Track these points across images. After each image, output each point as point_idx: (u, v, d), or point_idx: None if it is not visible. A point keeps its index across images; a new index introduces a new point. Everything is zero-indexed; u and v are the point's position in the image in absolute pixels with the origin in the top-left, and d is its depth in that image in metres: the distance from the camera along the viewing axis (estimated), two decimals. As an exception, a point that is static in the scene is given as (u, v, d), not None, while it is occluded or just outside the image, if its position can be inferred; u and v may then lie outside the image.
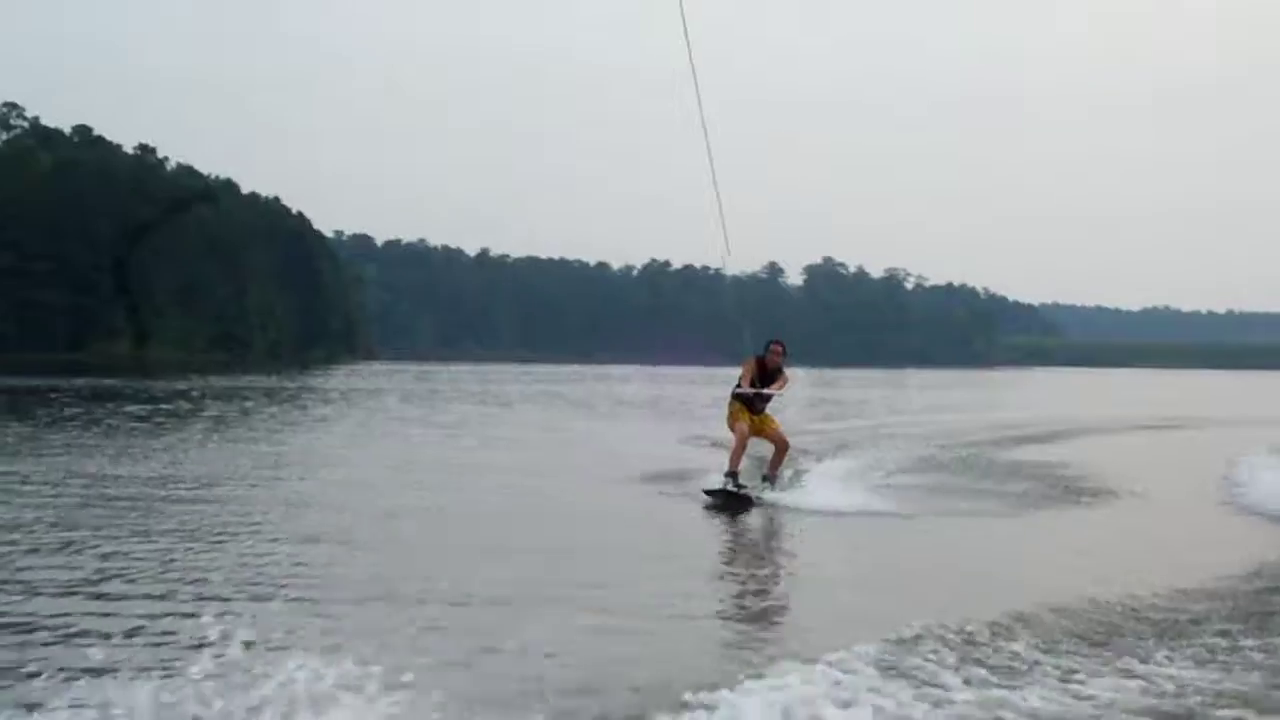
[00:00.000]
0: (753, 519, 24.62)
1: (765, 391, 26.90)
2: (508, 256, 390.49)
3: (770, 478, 26.92)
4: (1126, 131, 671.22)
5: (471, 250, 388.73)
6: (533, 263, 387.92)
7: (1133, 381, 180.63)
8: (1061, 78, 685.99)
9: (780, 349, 27.35)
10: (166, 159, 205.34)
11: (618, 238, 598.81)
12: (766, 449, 27.87)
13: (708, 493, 25.93)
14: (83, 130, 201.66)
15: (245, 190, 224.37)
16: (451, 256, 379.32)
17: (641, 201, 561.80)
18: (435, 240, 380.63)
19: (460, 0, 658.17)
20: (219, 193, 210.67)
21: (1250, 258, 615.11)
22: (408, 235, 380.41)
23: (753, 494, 26.11)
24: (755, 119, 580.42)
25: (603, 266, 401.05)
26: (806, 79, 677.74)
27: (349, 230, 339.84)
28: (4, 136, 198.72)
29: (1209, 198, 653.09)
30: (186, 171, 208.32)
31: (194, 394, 73.18)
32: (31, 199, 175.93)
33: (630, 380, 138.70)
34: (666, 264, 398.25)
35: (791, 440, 28.40)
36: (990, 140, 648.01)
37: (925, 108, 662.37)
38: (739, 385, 27.12)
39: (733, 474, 26.24)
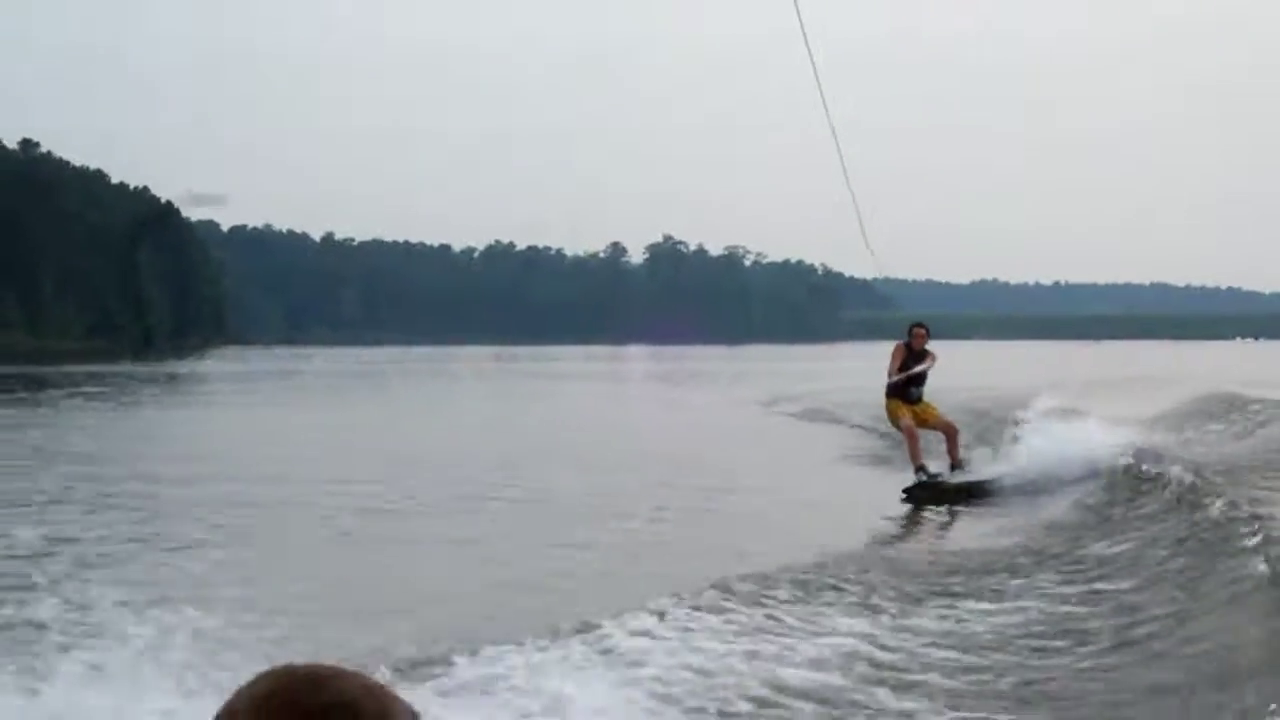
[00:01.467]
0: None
1: (916, 370, 26.45)
2: (353, 239, 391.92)
3: (956, 465, 26.66)
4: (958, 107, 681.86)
5: (316, 234, 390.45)
6: (378, 245, 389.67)
7: (965, 353, 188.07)
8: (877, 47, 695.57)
9: (924, 332, 26.95)
10: (49, 152, 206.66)
11: (461, 218, 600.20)
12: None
13: (906, 491, 26.00)
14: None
15: (114, 180, 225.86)
16: (296, 240, 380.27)
17: (483, 182, 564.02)
18: (281, 224, 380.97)
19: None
20: (90, 181, 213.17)
21: (1076, 230, 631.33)
22: (253, 220, 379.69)
23: (943, 483, 26.15)
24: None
25: (445, 248, 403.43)
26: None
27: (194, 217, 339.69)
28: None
29: (1036, 172, 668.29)
30: (62, 164, 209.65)
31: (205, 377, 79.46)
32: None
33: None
34: (511, 245, 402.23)
35: None
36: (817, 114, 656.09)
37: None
38: (890, 377, 26.74)
39: (921, 468, 26.14)
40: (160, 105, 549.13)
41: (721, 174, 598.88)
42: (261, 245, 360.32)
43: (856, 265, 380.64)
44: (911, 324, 27.51)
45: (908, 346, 26.85)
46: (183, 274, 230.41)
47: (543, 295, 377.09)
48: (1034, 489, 24.75)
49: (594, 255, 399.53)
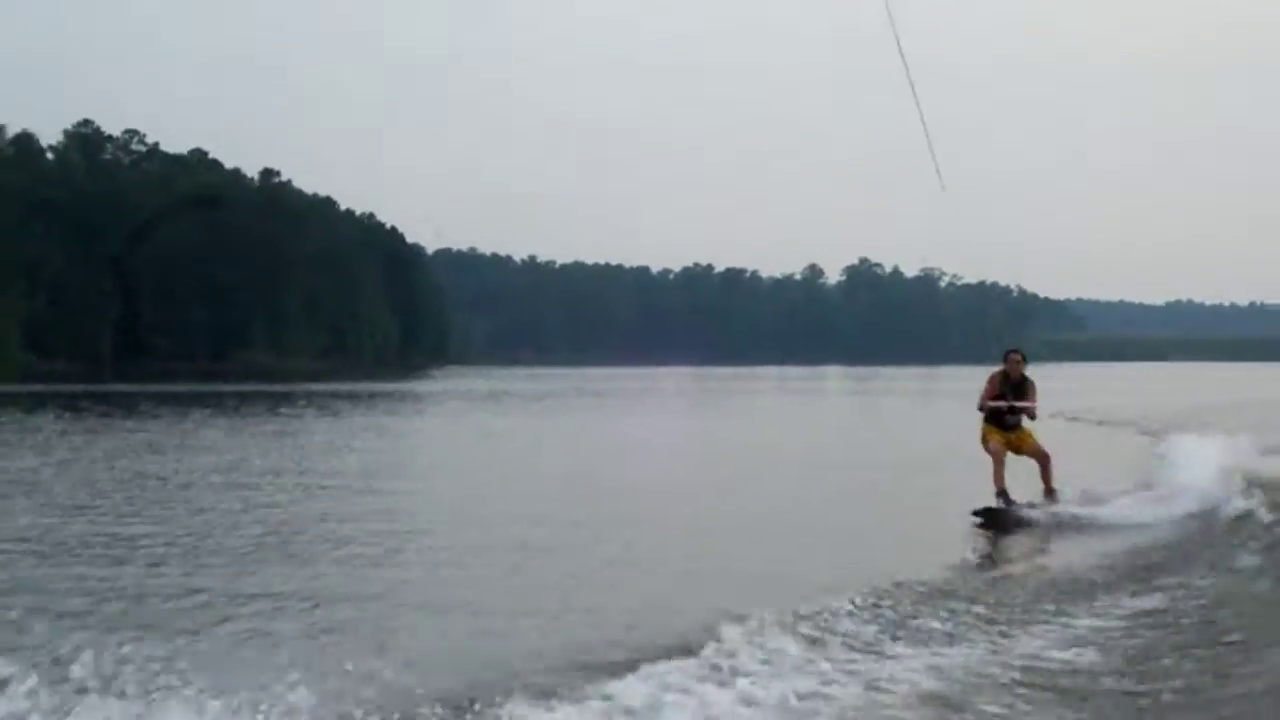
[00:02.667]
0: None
1: (1018, 405, 26.03)
2: (554, 262, 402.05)
3: (1049, 493, 25.94)
4: (1154, 127, 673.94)
5: (520, 256, 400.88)
6: (579, 267, 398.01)
7: (1163, 374, 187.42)
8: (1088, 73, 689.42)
9: (1020, 358, 26.43)
10: (289, 180, 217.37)
11: (659, 241, 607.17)
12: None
13: (976, 513, 25.18)
14: (198, 153, 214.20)
15: (342, 207, 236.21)
16: (500, 263, 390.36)
17: (686, 205, 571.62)
18: (485, 247, 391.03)
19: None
20: (322, 209, 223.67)
21: (1273, 250, 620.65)
22: (458, 243, 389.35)
23: (1024, 511, 25.30)
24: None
25: (643, 270, 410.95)
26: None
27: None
28: (125, 161, 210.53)
29: (1231, 190, 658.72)
30: (299, 193, 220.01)
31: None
32: (174, 221, 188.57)
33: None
34: (709, 267, 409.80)
35: None
36: (1020, 139, 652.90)
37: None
38: (983, 403, 26.33)
39: (1002, 493, 25.42)
40: (359, 129, 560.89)
41: (917, 195, 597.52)
42: (466, 267, 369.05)
43: (1051, 286, 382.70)
44: (1007, 350, 26.89)
45: (1005, 374, 26.25)
46: (408, 297, 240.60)
47: (740, 317, 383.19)
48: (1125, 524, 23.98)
49: (791, 277, 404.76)
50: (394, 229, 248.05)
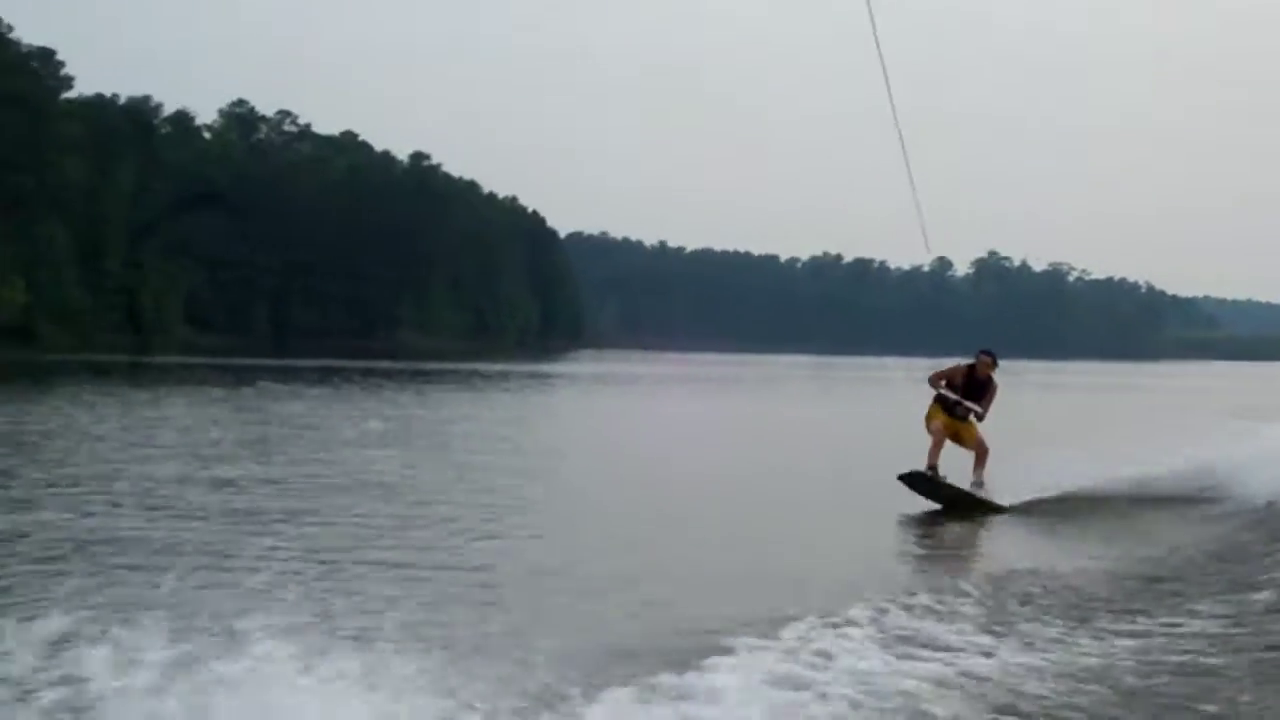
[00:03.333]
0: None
1: (966, 404, 26.01)
2: (684, 248, 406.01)
3: (977, 483, 26.00)
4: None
5: (650, 241, 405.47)
6: (708, 253, 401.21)
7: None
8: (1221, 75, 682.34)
9: (990, 360, 26.17)
10: (438, 165, 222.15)
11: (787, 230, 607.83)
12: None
13: (902, 478, 25.69)
14: (349, 135, 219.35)
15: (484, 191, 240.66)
16: (631, 248, 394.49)
17: (813, 194, 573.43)
18: (616, 232, 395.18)
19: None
20: (467, 193, 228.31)
21: None
22: (590, 227, 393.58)
23: (949, 483, 25.84)
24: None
25: (772, 258, 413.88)
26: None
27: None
28: (278, 141, 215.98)
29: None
30: (447, 177, 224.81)
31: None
32: (327, 201, 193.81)
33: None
34: (838, 257, 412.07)
35: None
36: (1151, 133, 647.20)
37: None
38: (935, 381, 26.57)
39: (933, 468, 25.78)
40: (490, 113, 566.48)
41: (1050, 190, 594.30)
42: (597, 251, 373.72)
43: (1181, 284, 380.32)
44: (980, 350, 26.46)
45: (971, 369, 26.25)
46: (547, 281, 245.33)
47: (867, 307, 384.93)
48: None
49: (919, 268, 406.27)
50: (535, 213, 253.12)
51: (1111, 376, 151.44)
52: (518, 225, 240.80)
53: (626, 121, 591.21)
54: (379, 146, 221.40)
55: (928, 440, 26.18)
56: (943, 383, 26.21)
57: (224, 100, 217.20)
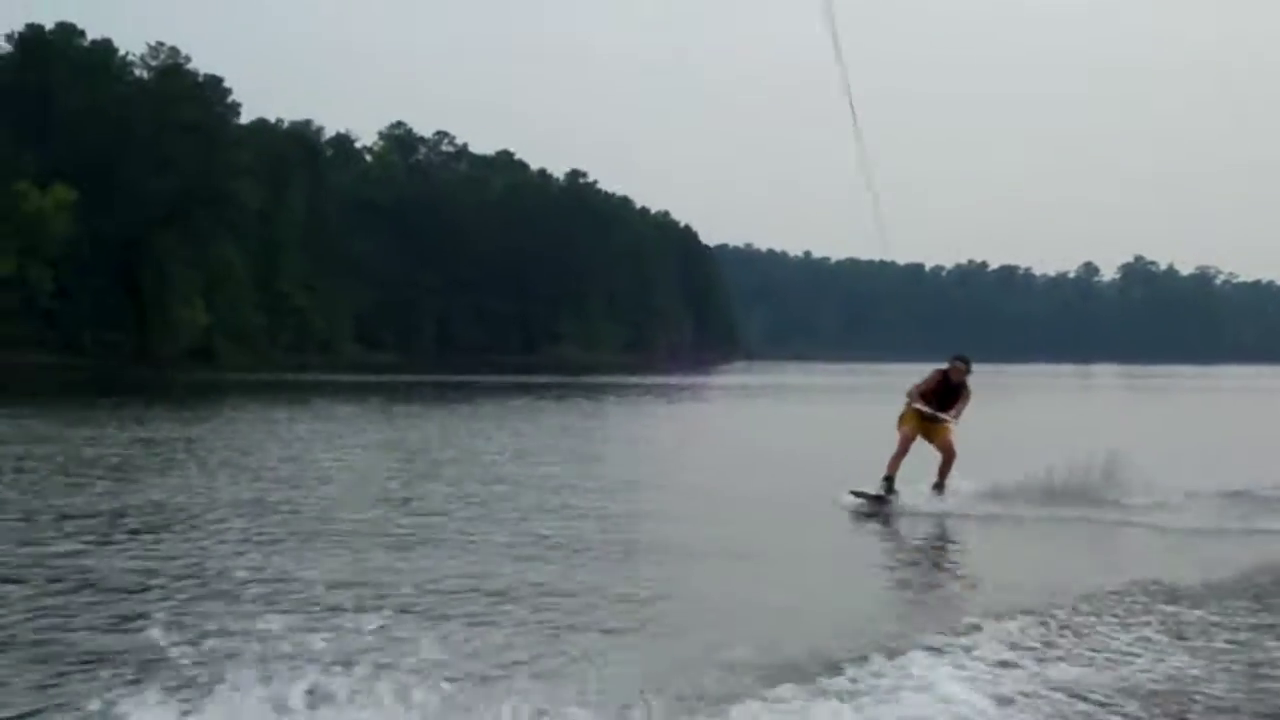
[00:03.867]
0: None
1: (941, 416, 25.50)
2: (829, 258, 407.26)
3: (939, 486, 25.29)
4: None
5: (795, 252, 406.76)
6: (853, 264, 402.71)
7: None
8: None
9: (964, 366, 25.73)
10: (594, 181, 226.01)
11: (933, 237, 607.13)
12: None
13: (855, 494, 24.78)
14: (505, 154, 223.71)
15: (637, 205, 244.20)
16: (776, 259, 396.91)
17: (957, 201, 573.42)
18: (761, 243, 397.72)
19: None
20: (620, 208, 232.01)
21: None
22: (735, 239, 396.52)
23: (899, 501, 24.82)
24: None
25: (918, 267, 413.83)
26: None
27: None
28: (436, 161, 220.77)
29: None
30: (603, 194, 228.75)
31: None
32: (487, 220, 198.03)
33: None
34: (983, 265, 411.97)
35: None
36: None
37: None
38: (913, 394, 25.96)
39: (889, 479, 24.90)
40: (635, 129, 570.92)
41: (1195, 192, 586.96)
42: (743, 262, 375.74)
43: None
44: (954, 356, 26.14)
45: (945, 376, 25.74)
46: (700, 294, 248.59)
47: (1013, 314, 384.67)
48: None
49: (1065, 275, 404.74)
50: (687, 227, 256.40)
51: (1267, 380, 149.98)
52: (670, 240, 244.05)
53: (766, 134, 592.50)
54: (534, 165, 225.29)
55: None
56: (919, 398, 25.53)
57: (381, 122, 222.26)
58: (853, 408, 73.09)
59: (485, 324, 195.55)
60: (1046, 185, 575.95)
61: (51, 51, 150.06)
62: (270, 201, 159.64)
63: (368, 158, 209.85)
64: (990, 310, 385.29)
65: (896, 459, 24.97)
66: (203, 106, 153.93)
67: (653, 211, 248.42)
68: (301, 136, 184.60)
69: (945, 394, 25.55)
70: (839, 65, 17.86)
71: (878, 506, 24.28)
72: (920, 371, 26.19)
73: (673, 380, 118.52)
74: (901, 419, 25.61)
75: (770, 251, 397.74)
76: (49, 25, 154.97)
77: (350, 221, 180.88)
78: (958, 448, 25.21)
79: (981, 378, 25.73)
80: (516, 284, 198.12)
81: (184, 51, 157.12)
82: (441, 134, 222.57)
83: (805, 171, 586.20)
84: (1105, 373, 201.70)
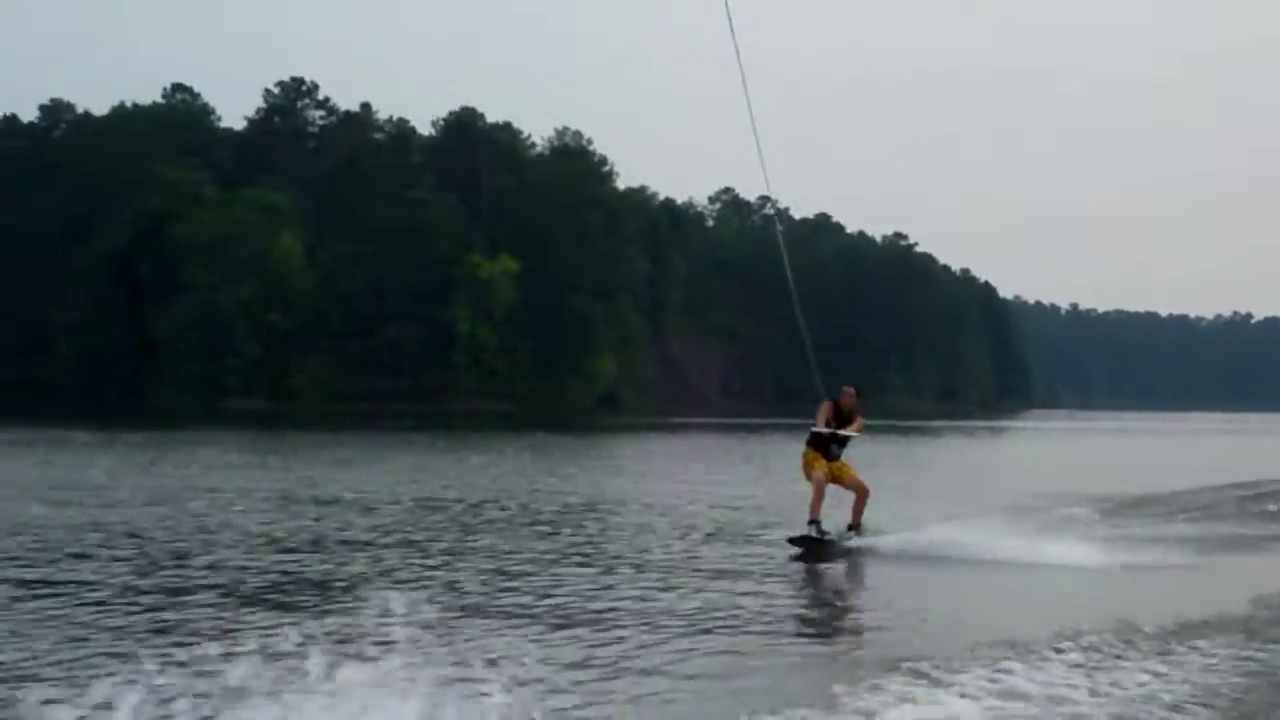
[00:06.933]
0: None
1: (841, 433, 25.88)
2: (1095, 310, 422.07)
3: (855, 526, 25.84)
4: None
5: (1063, 305, 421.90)
6: (1119, 315, 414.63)
7: None
8: None
9: (854, 392, 26.59)
10: (915, 244, 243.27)
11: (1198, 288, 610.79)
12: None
13: (791, 540, 25.27)
14: (823, 216, 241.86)
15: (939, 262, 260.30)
16: (1045, 311, 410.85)
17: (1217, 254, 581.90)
18: (1029, 296, 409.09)
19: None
20: (929, 266, 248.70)
21: None
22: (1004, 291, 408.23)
23: (838, 541, 25.33)
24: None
25: (1181, 318, 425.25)
26: None
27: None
28: (758, 223, 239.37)
29: None
30: (924, 255, 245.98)
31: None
32: (821, 278, 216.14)
33: None
34: (1248, 316, 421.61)
35: None
36: None
37: None
38: (813, 430, 26.16)
39: (815, 522, 25.24)
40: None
41: None
42: (1013, 315, 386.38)
43: None
44: (841, 385, 26.81)
45: (836, 405, 26.10)
46: (1000, 347, 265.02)
47: (1275, 365, 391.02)
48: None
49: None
50: (986, 283, 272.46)
51: None
52: (973, 295, 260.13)
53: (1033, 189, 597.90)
54: (850, 228, 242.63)
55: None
56: (823, 425, 25.84)
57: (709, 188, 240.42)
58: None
59: (823, 374, 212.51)
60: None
61: (475, 133, 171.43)
62: (655, 266, 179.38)
63: (709, 222, 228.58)
64: (1253, 361, 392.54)
65: (817, 504, 25.27)
66: (603, 183, 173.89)
67: (955, 269, 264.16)
68: (669, 204, 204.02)
69: (841, 421, 25.91)
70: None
71: (819, 549, 24.73)
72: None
73: (1018, 424, 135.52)
74: (809, 465, 25.75)
75: (1038, 303, 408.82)
76: (454, 107, 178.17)
77: (709, 283, 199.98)
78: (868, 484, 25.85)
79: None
80: (851, 337, 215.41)
81: (585, 134, 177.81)
82: (764, 198, 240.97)
83: (1070, 224, 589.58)
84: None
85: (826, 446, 25.57)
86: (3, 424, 69.70)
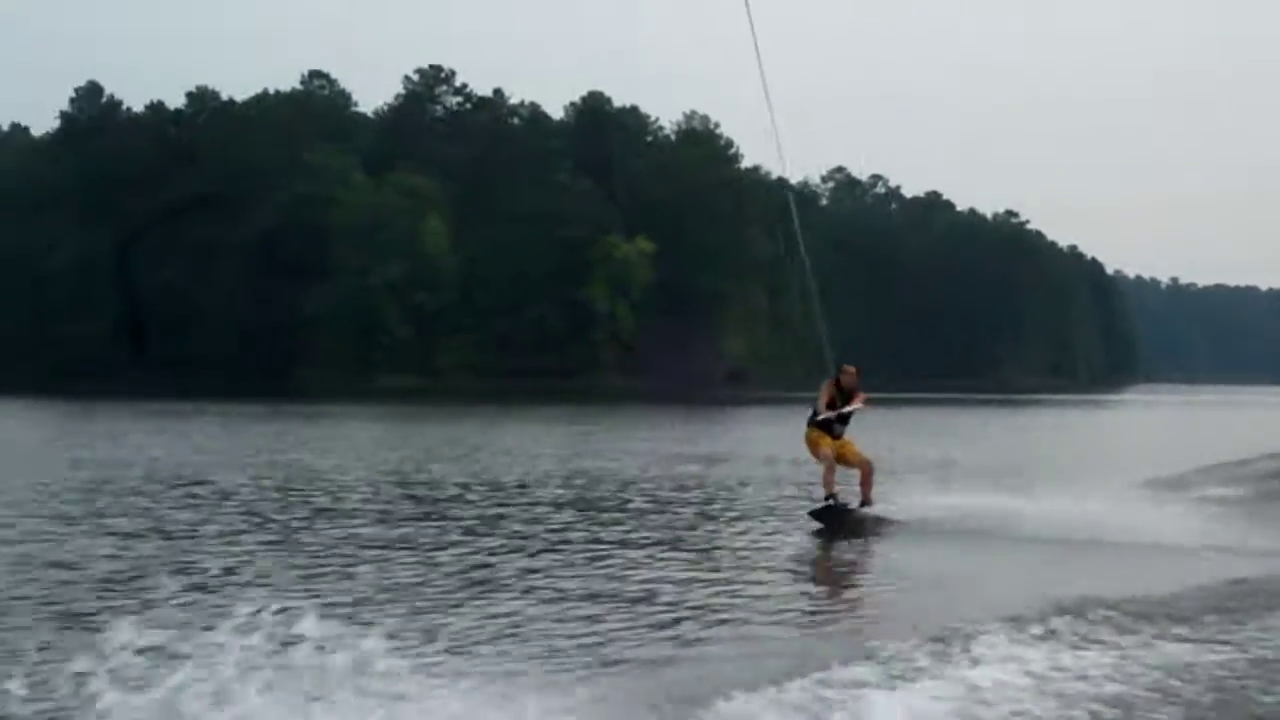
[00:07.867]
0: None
1: (846, 410, 26.43)
2: (1195, 284, 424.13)
3: (866, 502, 26.40)
4: None
5: (1163, 279, 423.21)
6: (1220, 289, 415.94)
7: None
8: None
9: (854, 370, 26.81)
10: (1027, 221, 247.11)
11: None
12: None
13: (813, 514, 26.16)
14: (934, 194, 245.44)
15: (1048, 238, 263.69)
16: (1145, 285, 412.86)
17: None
18: (1130, 270, 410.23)
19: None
20: (1037, 243, 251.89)
21: None
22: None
23: (858, 512, 25.99)
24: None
25: (1277, 293, 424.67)
26: None
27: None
28: (869, 202, 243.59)
29: None
30: (1034, 233, 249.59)
31: None
32: (931, 256, 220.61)
33: None
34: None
35: None
36: None
37: None
38: (815, 411, 26.55)
39: (833, 495, 25.95)
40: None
41: None
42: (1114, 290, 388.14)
43: None
44: (841, 363, 27.01)
45: (838, 383, 26.52)
46: (1107, 322, 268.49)
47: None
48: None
49: None
50: (1094, 260, 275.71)
51: None
52: (1080, 272, 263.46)
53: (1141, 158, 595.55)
54: (960, 205, 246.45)
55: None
56: (825, 408, 26.21)
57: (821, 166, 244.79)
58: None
59: (936, 351, 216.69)
60: None
61: (605, 117, 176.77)
62: (778, 246, 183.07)
63: (824, 202, 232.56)
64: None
65: (829, 478, 25.81)
66: (731, 164, 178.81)
67: (1062, 245, 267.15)
68: (789, 184, 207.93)
69: (842, 399, 26.28)
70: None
71: (839, 519, 25.44)
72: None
73: (1129, 397, 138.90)
74: (814, 443, 26.18)
75: (1138, 278, 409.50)
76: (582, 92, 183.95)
77: (826, 261, 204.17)
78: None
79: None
80: (961, 314, 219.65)
81: (713, 119, 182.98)
82: (876, 177, 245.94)
83: (1170, 196, 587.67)
84: None
85: (830, 425, 26.10)
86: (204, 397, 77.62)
